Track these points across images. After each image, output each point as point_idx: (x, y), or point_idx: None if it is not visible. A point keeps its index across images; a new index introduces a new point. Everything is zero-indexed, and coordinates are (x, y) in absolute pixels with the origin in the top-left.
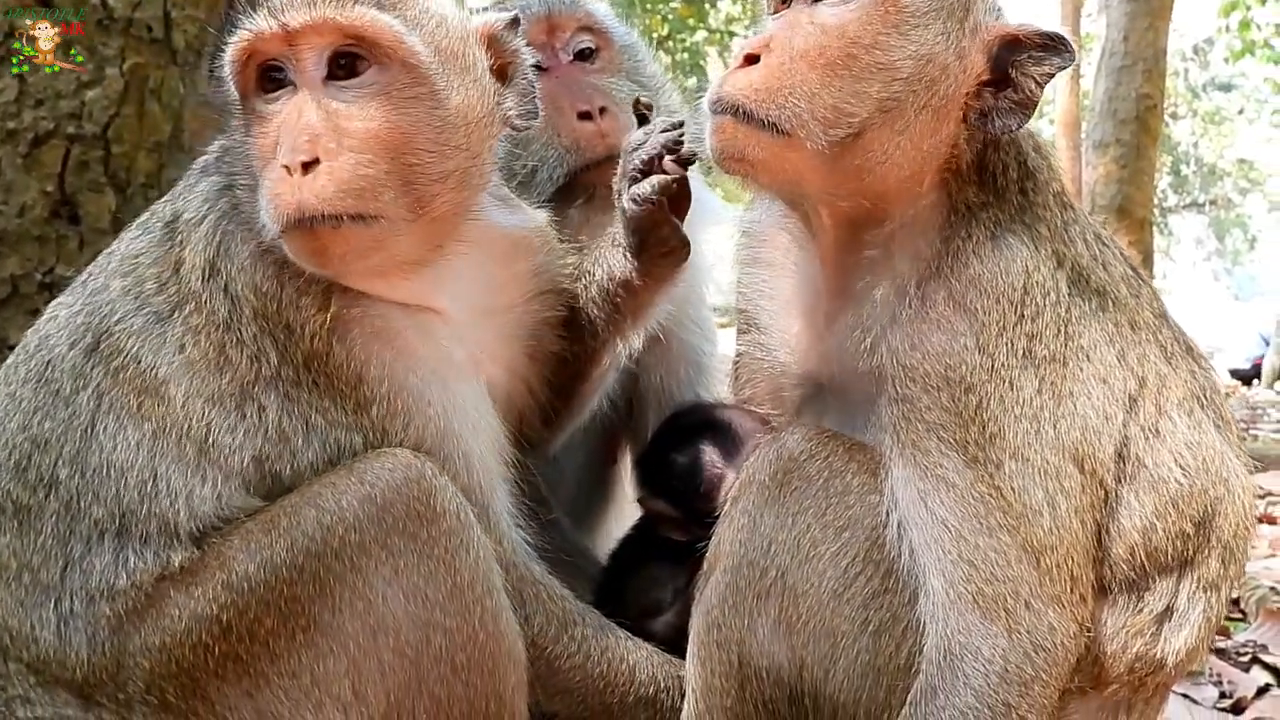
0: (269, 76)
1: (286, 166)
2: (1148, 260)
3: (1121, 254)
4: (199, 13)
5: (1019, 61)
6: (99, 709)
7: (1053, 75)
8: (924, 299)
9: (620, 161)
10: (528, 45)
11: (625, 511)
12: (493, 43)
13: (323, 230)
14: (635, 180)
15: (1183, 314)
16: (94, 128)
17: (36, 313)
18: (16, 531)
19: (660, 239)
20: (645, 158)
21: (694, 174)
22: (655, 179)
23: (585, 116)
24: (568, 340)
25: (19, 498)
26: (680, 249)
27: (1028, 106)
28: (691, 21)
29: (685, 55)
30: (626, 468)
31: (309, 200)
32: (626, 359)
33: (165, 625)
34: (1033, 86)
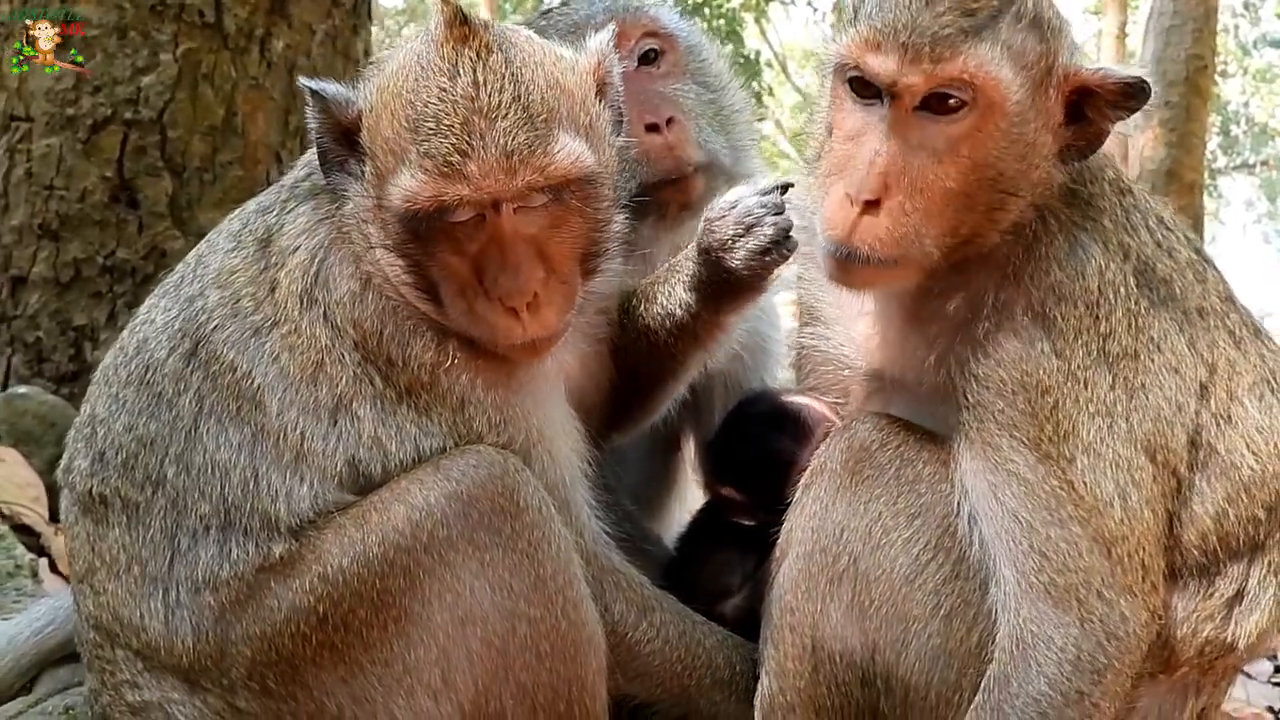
0: None
1: (514, 309)
2: (1197, 225)
3: (1185, 237)
4: None
5: (1096, 106)
6: (204, 693)
7: (1127, 116)
8: (1000, 308)
9: (722, 209)
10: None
11: (688, 497)
12: (602, 85)
13: (543, 346)
14: (741, 235)
15: (1232, 278)
16: (150, 113)
17: (99, 295)
18: (125, 526)
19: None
20: (755, 225)
21: (750, 156)
22: (779, 255)
23: (653, 129)
24: (625, 345)
25: (127, 494)
26: (758, 288)
27: (1100, 139)
28: None
29: (721, 22)
30: (689, 453)
31: (538, 332)
32: (698, 373)
33: (265, 616)
34: (1107, 125)
